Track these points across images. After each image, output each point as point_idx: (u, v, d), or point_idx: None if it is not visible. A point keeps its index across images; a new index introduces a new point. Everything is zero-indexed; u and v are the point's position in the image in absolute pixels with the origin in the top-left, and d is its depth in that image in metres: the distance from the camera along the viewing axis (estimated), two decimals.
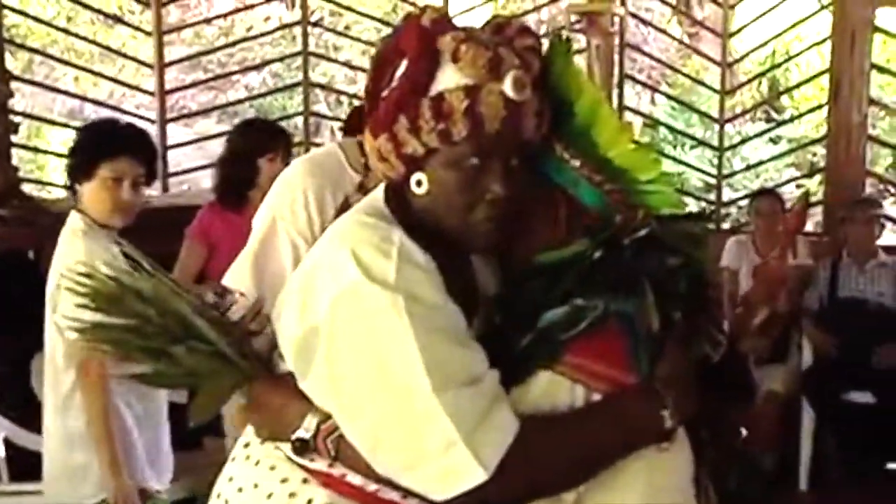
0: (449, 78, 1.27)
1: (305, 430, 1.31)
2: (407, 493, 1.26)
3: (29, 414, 3.44)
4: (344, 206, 1.47)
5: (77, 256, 2.57)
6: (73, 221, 2.73)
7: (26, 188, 5.35)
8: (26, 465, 3.16)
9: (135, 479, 2.68)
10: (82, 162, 2.72)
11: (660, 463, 1.30)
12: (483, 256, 1.45)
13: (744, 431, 1.55)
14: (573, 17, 5.54)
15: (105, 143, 2.75)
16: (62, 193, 6.67)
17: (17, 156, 5.63)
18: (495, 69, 1.25)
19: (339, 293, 1.24)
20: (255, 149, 3.74)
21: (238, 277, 1.91)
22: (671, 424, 1.28)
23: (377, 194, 1.40)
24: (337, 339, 1.25)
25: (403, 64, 1.30)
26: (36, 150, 8.30)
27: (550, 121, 1.33)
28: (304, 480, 1.35)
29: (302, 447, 1.32)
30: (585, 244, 1.33)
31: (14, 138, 5.36)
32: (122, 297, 1.36)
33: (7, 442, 3.47)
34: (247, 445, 1.46)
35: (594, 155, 1.34)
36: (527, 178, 1.34)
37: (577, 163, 1.35)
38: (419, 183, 1.31)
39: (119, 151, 2.71)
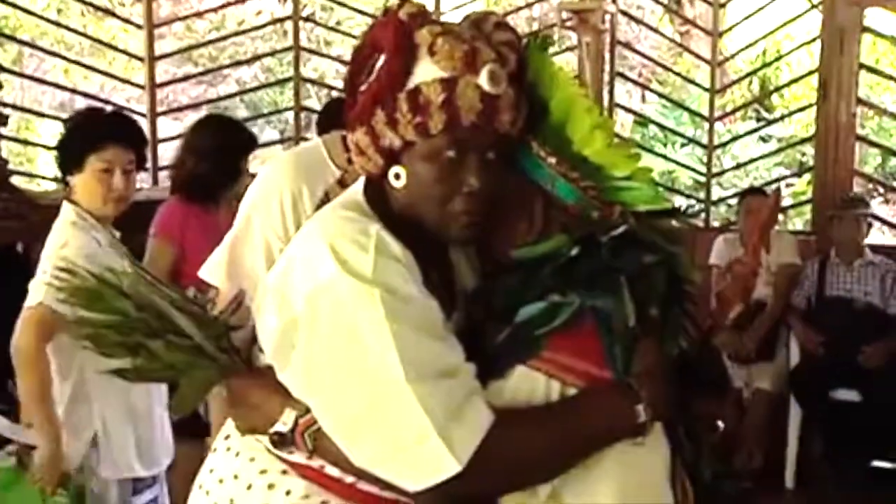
0: (426, 71, 1.28)
1: (283, 423, 1.33)
2: (384, 484, 1.27)
3: (16, 407, 3.49)
4: (324, 202, 1.48)
5: (62, 249, 2.60)
6: (66, 213, 2.72)
7: (16, 181, 5.31)
8: None
9: (119, 469, 2.73)
10: (72, 154, 2.73)
11: (634, 458, 1.30)
12: (461, 251, 1.47)
13: (720, 425, 1.55)
14: (564, 15, 5.53)
15: (92, 134, 2.75)
16: (52, 186, 6.68)
17: (6, 148, 5.60)
18: (471, 63, 1.27)
19: (317, 286, 1.25)
20: (239, 148, 3.66)
21: (213, 271, 1.92)
22: (645, 419, 1.29)
23: (356, 188, 1.41)
24: (314, 331, 1.26)
25: (381, 57, 1.31)
26: (26, 142, 8.27)
27: (527, 118, 1.34)
28: (283, 472, 1.38)
29: (280, 440, 1.33)
30: (562, 240, 1.34)
31: (3, 130, 5.34)
32: (102, 294, 1.37)
33: None
34: (227, 437, 1.49)
35: (569, 152, 1.35)
36: (504, 174, 1.35)
37: (553, 160, 1.36)
38: (397, 176, 1.33)
39: (106, 140, 2.71)
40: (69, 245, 2.62)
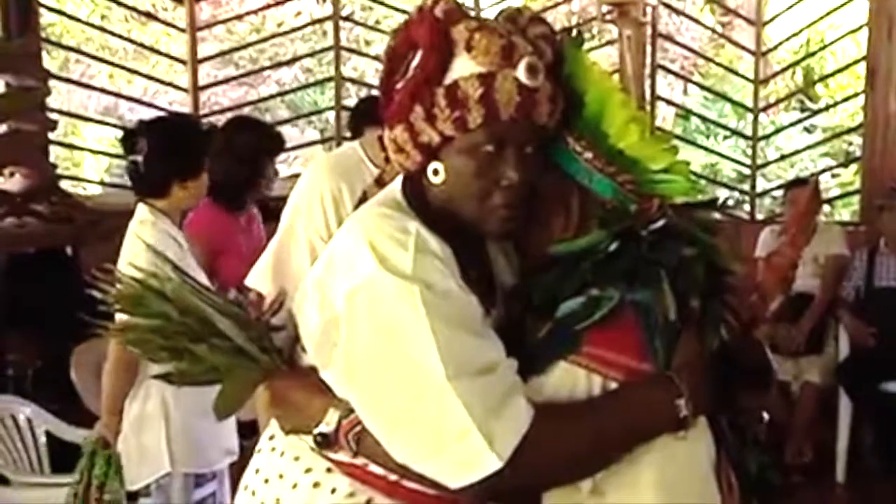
0: (463, 66, 1.28)
1: (327, 424, 1.33)
2: (428, 482, 1.26)
3: (68, 407, 3.57)
4: (361, 201, 1.48)
5: (148, 252, 2.64)
6: (141, 213, 2.82)
7: (63, 185, 5.40)
8: (68, 458, 3.19)
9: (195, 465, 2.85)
10: (193, 161, 2.86)
11: (677, 451, 1.29)
12: (499, 247, 1.47)
13: (765, 417, 1.53)
14: (605, 8, 5.50)
15: (205, 140, 2.94)
16: (97, 190, 6.79)
17: (53, 153, 5.69)
18: (508, 56, 1.27)
19: (357, 284, 1.25)
20: (263, 150, 3.66)
21: (259, 278, 1.93)
22: (686, 413, 1.28)
23: (394, 186, 1.41)
24: (355, 329, 1.26)
25: (417, 55, 1.31)
26: (73, 147, 8.38)
27: (562, 113, 1.34)
28: (328, 470, 1.38)
29: (324, 441, 1.34)
30: (601, 235, 1.34)
31: (52, 135, 5.43)
32: (145, 298, 1.38)
33: (49, 434, 3.53)
34: (272, 438, 1.49)
35: (605, 146, 1.35)
36: (541, 170, 1.35)
37: (589, 154, 1.35)
38: (436, 172, 1.33)
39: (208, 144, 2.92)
40: (160, 246, 2.65)
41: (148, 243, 2.59)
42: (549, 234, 1.38)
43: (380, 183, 1.48)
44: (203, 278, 2.85)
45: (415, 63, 1.31)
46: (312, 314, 1.33)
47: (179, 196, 2.85)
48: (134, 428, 2.82)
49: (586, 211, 1.37)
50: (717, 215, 1.44)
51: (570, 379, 1.28)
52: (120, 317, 1.44)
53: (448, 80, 1.28)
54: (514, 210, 1.33)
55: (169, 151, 2.82)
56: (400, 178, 1.41)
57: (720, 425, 1.37)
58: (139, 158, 2.80)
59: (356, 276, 1.25)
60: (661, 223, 1.34)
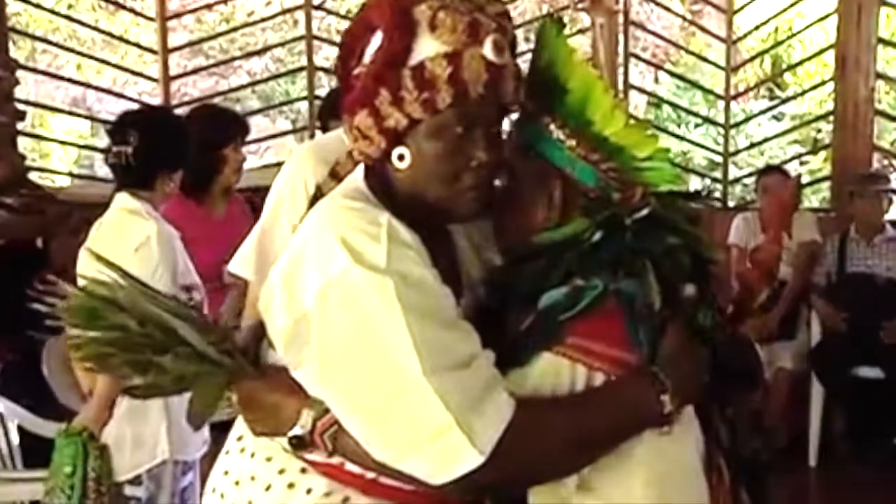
0: (428, 47, 1.25)
1: (301, 426, 1.29)
2: (406, 478, 1.24)
3: (41, 401, 3.48)
4: (317, 196, 1.43)
5: (149, 240, 2.69)
6: (129, 202, 2.81)
7: (31, 177, 5.33)
8: (39, 452, 3.14)
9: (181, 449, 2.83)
10: (180, 152, 2.91)
11: (665, 444, 1.28)
12: (465, 236, 1.45)
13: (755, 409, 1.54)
14: None
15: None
16: (66, 181, 6.71)
17: (21, 144, 5.62)
18: (475, 34, 1.24)
19: (329, 281, 1.22)
20: (222, 139, 3.60)
21: (241, 264, 1.93)
22: (671, 409, 1.26)
23: (356, 178, 1.38)
24: (328, 327, 1.23)
25: (376, 38, 1.28)
26: (41, 138, 8.28)
27: (544, 101, 1.33)
28: (303, 470, 1.35)
29: (299, 443, 1.30)
30: (584, 224, 1.32)
31: (20, 126, 5.35)
32: (99, 310, 1.31)
33: (21, 429, 3.47)
34: (240, 438, 1.44)
35: (590, 134, 1.33)
36: (521, 159, 1.34)
37: (572, 142, 1.34)
38: (401, 157, 1.29)
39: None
40: (161, 233, 2.73)
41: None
42: (531, 223, 1.36)
43: (334, 176, 1.44)
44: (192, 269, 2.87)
45: (374, 47, 1.28)
46: (280, 313, 1.29)
47: (164, 189, 2.87)
48: (128, 417, 2.78)
49: (569, 199, 1.35)
50: (696, 205, 1.43)
51: (553, 369, 1.27)
52: (73, 332, 1.35)
53: (413, 61, 1.25)
54: (483, 191, 1.31)
55: (160, 144, 2.86)
56: (360, 169, 1.38)
57: (709, 415, 1.36)
58: (129, 150, 2.80)
59: (328, 272, 1.22)
60: (645, 212, 1.33)
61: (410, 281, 1.21)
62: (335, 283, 1.21)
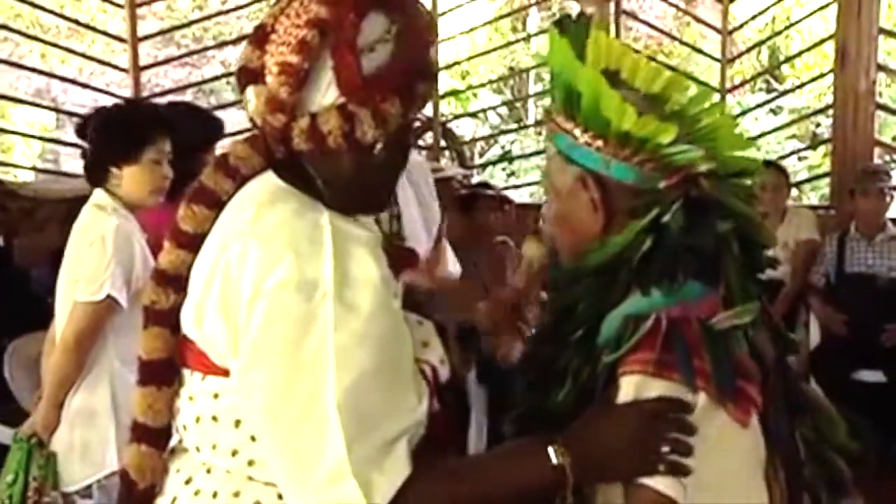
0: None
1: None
2: None
3: (2, 404, 3.41)
4: (205, 192, 1.37)
5: (113, 235, 2.63)
6: (100, 198, 2.74)
7: None
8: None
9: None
10: (128, 145, 2.76)
11: (738, 439, 1.25)
12: None
13: None
14: None
15: (151, 126, 2.84)
16: (30, 176, 6.54)
17: None
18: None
19: (265, 290, 1.20)
20: (201, 143, 3.35)
21: None
22: (568, 480, 1.24)
23: (266, 178, 1.34)
24: (259, 338, 1.21)
25: (377, 21, 1.25)
26: (3, 131, 8.16)
27: (566, 108, 1.34)
28: (279, 496, 1.29)
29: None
30: (631, 232, 1.30)
31: None
32: None
33: None
34: (188, 482, 1.38)
35: (612, 131, 1.31)
36: (559, 173, 1.36)
37: (599, 143, 1.32)
38: (382, 146, 1.28)
39: (164, 133, 2.82)
40: (119, 229, 2.66)
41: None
42: (581, 234, 1.37)
43: (223, 169, 1.36)
44: None
45: (389, 26, 1.25)
46: (218, 323, 1.26)
47: (124, 184, 2.75)
48: (76, 422, 2.70)
49: (610, 200, 1.33)
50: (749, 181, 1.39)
51: (640, 390, 1.25)
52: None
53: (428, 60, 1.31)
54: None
55: (106, 139, 2.78)
56: (268, 175, 1.34)
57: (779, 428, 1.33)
58: (87, 145, 2.80)
59: (267, 282, 1.19)
60: (692, 200, 1.30)
61: (356, 300, 1.20)
62: (271, 293, 1.19)
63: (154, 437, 1.39)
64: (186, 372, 1.36)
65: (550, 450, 1.23)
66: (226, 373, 1.28)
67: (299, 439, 1.18)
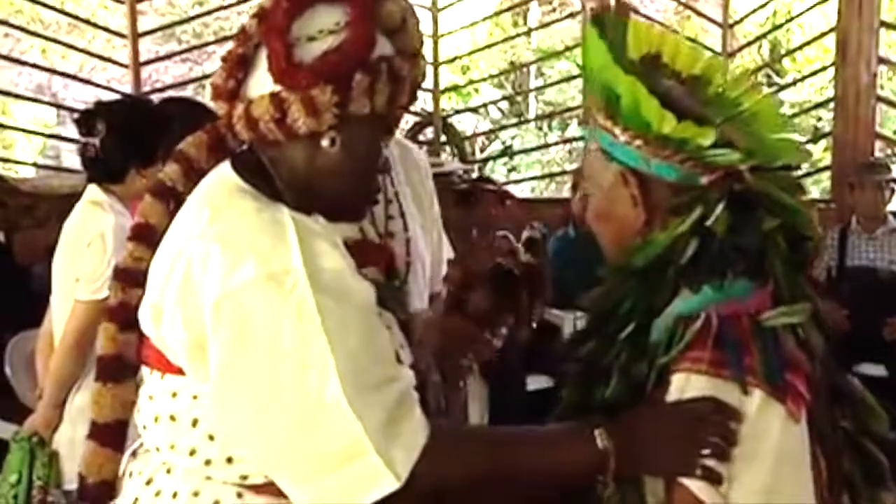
0: (385, 46, 1.29)
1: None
2: None
3: (2, 401, 3.39)
4: (171, 190, 1.38)
5: (107, 228, 2.60)
6: (96, 194, 2.70)
7: None
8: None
9: None
10: (153, 150, 2.69)
11: (792, 430, 1.25)
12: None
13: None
14: None
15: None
16: (31, 172, 6.52)
17: None
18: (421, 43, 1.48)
19: (229, 291, 1.17)
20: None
21: None
22: (610, 465, 1.24)
23: (221, 173, 1.32)
24: (230, 342, 1.18)
25: (335, 13, 1.25)
26: (3, 127, 8.14)
27: (606, 107, 1.33)
28: (239, 495, 1.31)
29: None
30: (674, 229, 1.31)
31: None
32: None
33: None
34: (149, 482, 1.37)
35: (652, 132, 1.31)
36: (600, 171, 1.36)
37: (639, 142, 1.33)
38: (333, 141, 1.26)
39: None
40: (118, 226, 2.60)
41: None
42: (624, 231, 1.37)
43: (180, 160, 1.38)
44: None
45: (340, 19, 1.24)
46: (176, 329, 1.23)
47: (136, 184, 2.72)
48: (78, 420, 2.62)
49: (651, 196, 1.34)
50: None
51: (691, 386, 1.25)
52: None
53: (377, 53, 1.26)
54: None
55: (129, 136, 2.72)
56: (224, 167, 1.32)
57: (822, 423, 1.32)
58: (95, 142, 2.71)
59: (230, 283, 1.17)
60: (737, 190, 1.30)
61: (329, 283, 1.19)
62: (237, 294, 1.17)
63: (100, 433, 1.40)
64: (146, 371, 1.35)
65: (597, 433, 1.23)
66: (181, 371, 1.27)
67: (302, 428, 1.17)
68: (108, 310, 1.38)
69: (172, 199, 1.35)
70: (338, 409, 1.15)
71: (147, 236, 1.35)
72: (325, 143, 1.25)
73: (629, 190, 1.34)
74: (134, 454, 1.42)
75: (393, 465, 1.16)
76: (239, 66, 1.26)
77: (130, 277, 1.35)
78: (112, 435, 1.40)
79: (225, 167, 1.32)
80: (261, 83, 1.25)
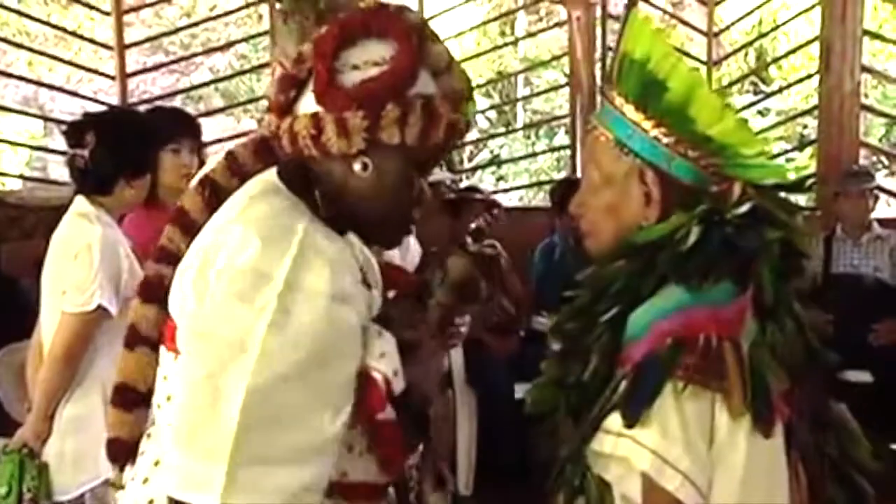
0: (427, 83, 1.34)
1: None
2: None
3: None
4: (213, 187, 1.45)
5: (105, 246, 2.61)
6: (82, 206, 2.70)
7: None
8: None
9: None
10: (144, 164, 2.80)
11: (762, 445, 1.25)
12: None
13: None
14: None
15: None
16: (17, 184, 6.50)
17: None
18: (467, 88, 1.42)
19: (226, 266, 1.23)
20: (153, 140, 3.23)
21: None
22: None
23: (267, 176, 1.38)
24: (206, 303, 1.24)
25: (385, 47, 1.32)
26: None
27: (639, 98, 1.33)
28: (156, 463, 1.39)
29: None
30: (681, 219, 1.32)
31: None
32: None
33: None
34: (146, 481, 1.44)
35: (691, 131, 1.32)
36: (614, 160, 1.36)
37: (671, 139, 1.33)
38: (365, 166, 1.34)
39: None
40: (105, 238, 2.63)
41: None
42: (627, 220, 1.37)
43: (228, 157, 1.45)
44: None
45: (380, 55, 1.32)
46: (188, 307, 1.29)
47: (125, 196, 2.77)
48: (68, 431, 2.66)
49: (667, 194, 1.34)
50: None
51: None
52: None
53: (416, 90, 1.32)
54: (409, 228, 1.46)
55: (118, 148, 2.73)
56: (275, 171, 1.39)
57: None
58: (84, 153, 2.71)
59: (237, 260, 1.22)
60: (748, 206, 1.32)
61: (297, 302, 1.20)
62: (230, 271, 1.22)
63: (120, 395, 1.48)
64: (164, 350, 1.40)
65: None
66: None
67: (198, 404, 1.18)
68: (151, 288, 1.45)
69: (211, 190, 1.42)
70: (228, 422, 1.15)
71: (183, 221, 1.43)
72: (357, 166, 1.33)
73: (644, 187, 1.34)
74: (148, 435, 1.47)
75: (226, 494, 1.14)
76: (291, 85, 1.36)
77: (163, 257, 1.43)
78: (133, 399, 1.48)
79: (271, 172, 1.39)
80: (308, 103, 1.34)
